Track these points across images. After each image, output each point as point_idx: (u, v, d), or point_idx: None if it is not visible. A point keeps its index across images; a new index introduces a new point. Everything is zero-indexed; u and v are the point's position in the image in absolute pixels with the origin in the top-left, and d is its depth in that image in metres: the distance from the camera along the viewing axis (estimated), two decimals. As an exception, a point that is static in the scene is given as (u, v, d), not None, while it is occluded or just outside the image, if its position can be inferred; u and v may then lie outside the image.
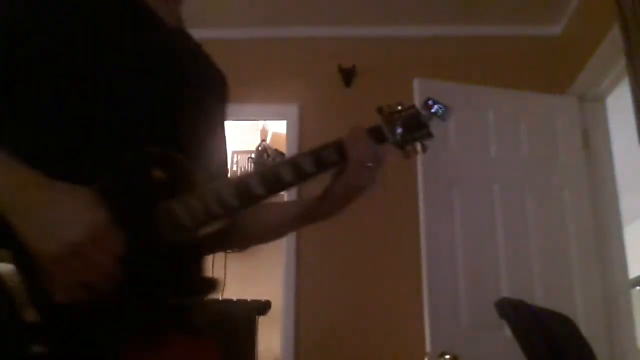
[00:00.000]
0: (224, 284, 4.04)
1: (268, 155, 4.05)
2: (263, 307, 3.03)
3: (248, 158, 4.09)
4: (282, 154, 3.76)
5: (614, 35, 2.40)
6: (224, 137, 1.14)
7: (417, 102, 2.95)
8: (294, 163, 0.96)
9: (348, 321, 2.92)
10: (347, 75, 3.23)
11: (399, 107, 1.09)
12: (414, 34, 3.30)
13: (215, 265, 4.07)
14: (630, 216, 3.60)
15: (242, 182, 0.92)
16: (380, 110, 1.09)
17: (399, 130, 1.08)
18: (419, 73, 2.83)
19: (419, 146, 1.11)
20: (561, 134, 2.91)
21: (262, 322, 3.02)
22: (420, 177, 2.65)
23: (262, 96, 3.28)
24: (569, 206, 2.81)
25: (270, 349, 3.18)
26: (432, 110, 1.12)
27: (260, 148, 4.09)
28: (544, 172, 2.85)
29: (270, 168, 0.96)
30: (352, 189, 1.04)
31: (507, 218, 2.72)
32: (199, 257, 0.98)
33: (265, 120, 3.95)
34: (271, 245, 4.31)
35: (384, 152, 1.04)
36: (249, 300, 3.12)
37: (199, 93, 1.04)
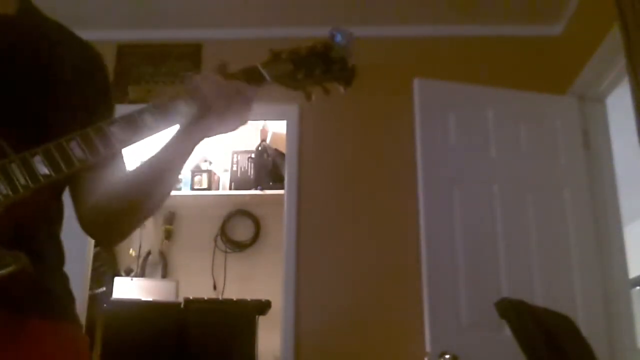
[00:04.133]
0: (224, 284, 4.04)
1: (268, 155, 4.05)
2: (263, 307, 3.03)
3: (248, 158, 4.10)
4: (282, 154, 3.76)
5: (614, 35, 2.40)
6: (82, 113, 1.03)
7: (416, 102, 2.95)
8: (131, 120, 0.92)
9: (348, 321, 2.91)
10: (347, 76, 3.23)
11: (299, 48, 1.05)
12: (414, 34, 3.30)
13: (215, 265, 4.07)
14: (630, 216, 3.60)
15: (59, 147, 0.87)
16: (271, 51, 1.05)
17: (296, 67, 1.03)
18: (419, 73, 2.83)
19: (339, 86, 1.06)
20: (561, 134, 2.91)
21: (262, 322, 3.03)
22: (420, 177, 2.65)
23: (262, 96, 3.26)
24: (569, 206, 2.81)
25: (270, 349, 3.18)
26: (336, 40, 1.04)
27: (260, 148, 4.10)
28: (544, 172, 2.85)
29: (97, 129, 0.90)
30: (201, 135, 1.00)
31: (507, 218, 2.72)
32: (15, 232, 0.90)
33: (265, 120, 3.95)
34: (271, 245, 4.30)
35: (234, 91, 0.98)
36: (249, 300, 3.13)
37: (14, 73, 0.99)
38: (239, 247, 4.11)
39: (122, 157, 1.11)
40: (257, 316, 2.96)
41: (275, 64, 1.04)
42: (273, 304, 3.04)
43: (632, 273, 2.88)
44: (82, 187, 1.06)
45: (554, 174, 2.86)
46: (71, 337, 1.00)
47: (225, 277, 4.02)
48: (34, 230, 0.97)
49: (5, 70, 0.97)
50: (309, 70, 1.04)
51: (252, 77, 1.01)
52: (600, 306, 2.69)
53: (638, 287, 5.01)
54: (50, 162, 0.85)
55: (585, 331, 1.89)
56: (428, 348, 2.41)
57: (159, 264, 4.07)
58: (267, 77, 1.02)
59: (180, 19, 3.29)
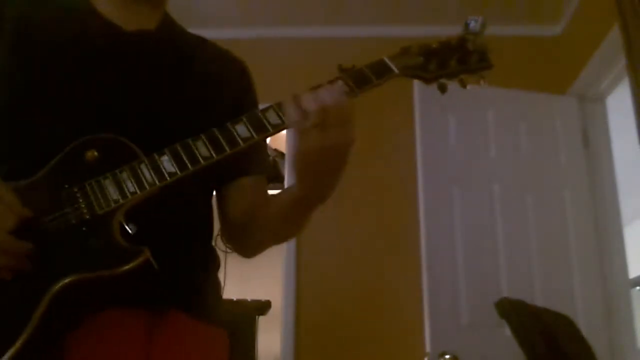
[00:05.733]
0: (224, 284, 4.04)
1: (268, 155, 4.05)
2: (263, 307, 3.03)
3: (248, 158, 4.09)
4: (282, 153, 3.76)
5: (614, 35, 2.40)
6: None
7: (416, 102, 2.95)
8: (256, 118, 0.90)
9: (348, 321, 2.92)
10: (347, 75, 3.23)
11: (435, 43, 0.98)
12: (414, 34, 3.29)
13: (215, 265, 4.08)
14: (630, 216, 3.60)
15: (186, 145, 0.89)
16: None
17: (427, 60, 0.96)
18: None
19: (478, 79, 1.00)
20: (561, 134, 2.91)
21: (262, 322, 3.03)
22: (420, 177, 2.65)
23: (262, 96, 3.26)
24: (569, 206, 2.81)
25: (270, 349, 3.18)
26: (470, 27, 0.99)
27: (260, 148, 4.09)
28: (544, 172, 2.85)
29: (223, 128, 0.90)
30: (309, 157, 0.88)
31: (507, 218, 2.72)
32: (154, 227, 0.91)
33: (265, 120, 3.94)
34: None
35: (332, 105, 0.85)
36: (249, 300, 3.12)
37: (155, 87, 1.02)
38: (239, 247, 4.11)
39: (266, 168, 1.17)
40: (257, 316, 2.96)
41: (403, 56, 0.99)
42: (273, 304, 3.04)
43: (632, 273, 2.89)
44: (227, 195, 1.11)
45: (554, 174, 2.86)
46: (211, 337, 1.01)
47: (225, 277, 4.02)
48: (184, 232, 1.00)
49: (142, 84, 1.01)
50: (442, 61, 0.99)
51: (377, 70, 0.96)
52: (600, 306, 2.69)
53: (638, 287, 5.01)
54: (177, 160, 0.88)
55: (585, 331, 1.89)
56: (428, 348, 2.41)
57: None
58: (395, 69, 0.97)
59: (179, 19, 3.29)
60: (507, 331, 1.70)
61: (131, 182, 0.87)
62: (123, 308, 0.90)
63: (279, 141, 3.95)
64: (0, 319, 0.80)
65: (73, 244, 0.84)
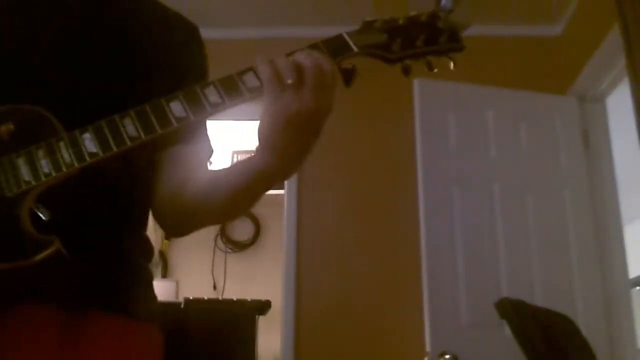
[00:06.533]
0: (224, 284, 4.04)
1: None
2: (263, 307, 3.03)
3: (248, 158, 4.09)
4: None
5: (614, 35, 2.40)
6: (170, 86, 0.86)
7: (416, 102, 2.94)
8: (194, 96, 0.80)
9: (348, 321, 2.92)
10: (347, 75, 3.22)
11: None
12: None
13: (215, 265, 4.07)
14: (630, 216, 3.60)
15: (112, 123, 0.79)
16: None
17: (391, 38, 0.88)
18: (419, 73, 2.82)
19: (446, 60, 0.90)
20: (561, 134, 2.91)
21: (262, 322, 3.03)
22: (420, 177, 2.65)
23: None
24: (569, 206, 2.81)
25: (270, 349, 3.18)
26: (442, 5, 0.87)
27: (260, 148, 4.09)
28: (544, 172, 2.85)
29: (155, 105, 0.80)
30: (279, 121, 0.79)
31: (507, 218, 2.71)
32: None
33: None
34: (271, 245, 4.30)
35: (310, 65, 0.78)
36: (249, 300, 3.13)
37: (91, 45, 0.94)
38: (239, 247, 4.11)
39: (204, 137, 1.01)
40: (257, 316, 2.96)
41: (365, 33, 0.90)
42: (273, 304, 3.04)
43: (632, 273, 2.89)
44: (158, 169, 0.97)
45: (554, 174, 2.86)
46: (139, 337, 0.91)
47: (225, 277, 4.02)
48: (108, 220, 0.90)
49: (72, 47, 0.92)
50: (407, 40, 0.89)
51: (334, 47, 0.87)
52: (600, 306, 2.69)
53: (638, 287, 5.01)
54: (100, 139, 0.78)
55: (585, 331, 1.89)
56: (428, 348, 2.41)
57: (159, 264, 4.08)
58: (354, 47, 0.87)
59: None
60: (507, 331, 1.70)
61: (46, 162, 0.77)
62: (35, 306, 0.81)
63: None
64: None
65: None
